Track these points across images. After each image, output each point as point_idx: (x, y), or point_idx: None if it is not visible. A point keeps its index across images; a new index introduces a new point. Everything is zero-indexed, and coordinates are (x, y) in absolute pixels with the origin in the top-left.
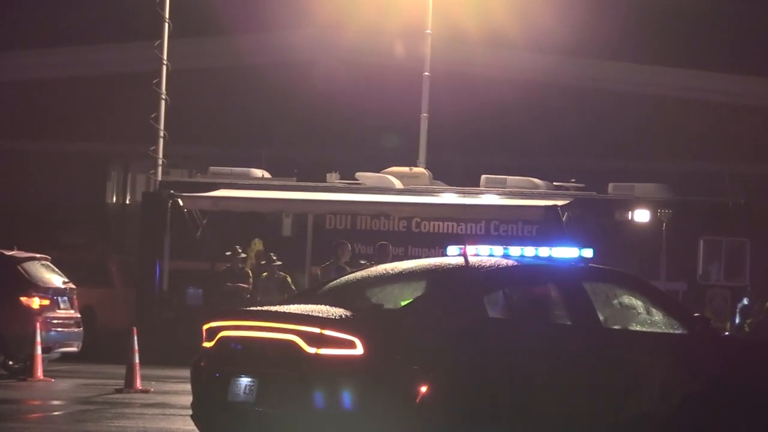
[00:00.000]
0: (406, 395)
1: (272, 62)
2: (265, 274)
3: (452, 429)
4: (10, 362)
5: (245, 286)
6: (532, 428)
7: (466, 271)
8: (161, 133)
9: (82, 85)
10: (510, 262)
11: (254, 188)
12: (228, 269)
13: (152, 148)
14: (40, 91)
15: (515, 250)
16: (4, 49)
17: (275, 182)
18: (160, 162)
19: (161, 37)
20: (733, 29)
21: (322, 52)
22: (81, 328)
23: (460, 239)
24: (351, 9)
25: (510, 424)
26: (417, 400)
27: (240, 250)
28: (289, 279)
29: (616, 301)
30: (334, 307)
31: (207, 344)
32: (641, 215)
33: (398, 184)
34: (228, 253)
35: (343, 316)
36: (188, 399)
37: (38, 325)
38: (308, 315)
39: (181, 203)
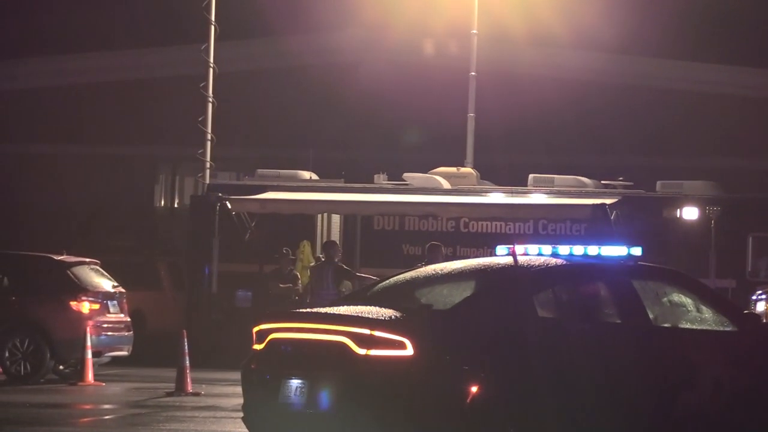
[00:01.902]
0: (456, 396)
1: (318, 63)
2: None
3: (501, 428)
4: (61, 367)
5: (294, 287)
6: (582, 428)
7: (515, 270)
8: (209, 136)
9: (131, 88)
10: (559, 261)
11: (302, 190)
12: (276, 271)
13: (200, 151)
14: (88, 95)
15: (564, 249)
16: (54, 53)
17: (323, 184)
18: (207, 165)
19: (208, 40)
20: None
21: (367, 53)
22: (131, 332)
23: (509, 239)
24: (396, 9)
25: (560, 425)
26: (467, 401)
27: (289, 252)
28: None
29: (665, 299)
30: (383, 308)
31: (257, 346)
32: (690, 213)
33: (446, 184)
34: (276, 256)
35: (393, 317)
36: (239, 401)
37: (88, 329)
38: (358, 316)
39: (229, 206)
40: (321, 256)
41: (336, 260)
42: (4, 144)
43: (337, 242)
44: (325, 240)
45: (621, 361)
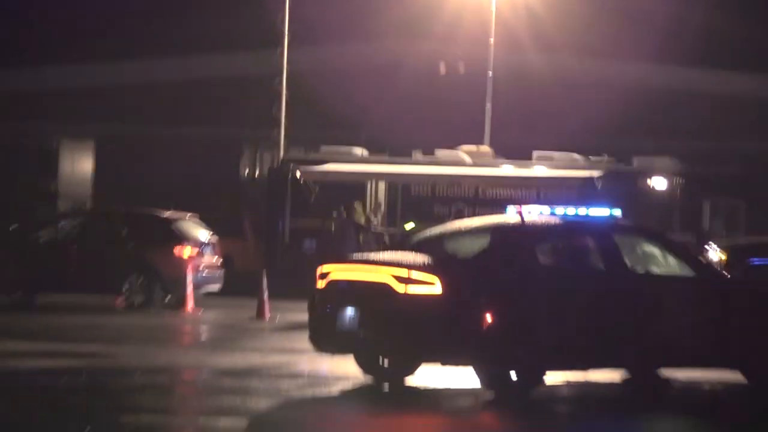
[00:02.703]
0: (474, 323)
1: (368, 65)
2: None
3: (510, 348)
4: (168, 298)
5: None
6: (572, 348)
7: (522, 227)
8: (282, 121)
9: (223, 83)
10: (556, 220)
11: (355, 162)
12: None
13: (275, 132)
14: (191, 88)
15: (560, 211)
16: (171, 56)
17: (372, 158)
18: (282, 143)
19: (282, 45)
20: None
21: (407, 56)
22: (222, 271)
23: (517, 202)
24: (429, 22)
25: (554, 346)
26: (483, 327)
27: (343, 212)
28: (384, 234)
29: (639, 250)
30: (418, 255)
31: (320, 283)
32: (659, 182)
33: (468, 159)
34: (335, 214)
35: (425, 262)
36: (306, 326)
37: (189, 269)
38: (398, 261)
39: (298, 175)
40: (371, 215)
41: (356, 218)
42: (137, 125)
43: (359, 205)
44: (373, 203)
45: (604, 298)
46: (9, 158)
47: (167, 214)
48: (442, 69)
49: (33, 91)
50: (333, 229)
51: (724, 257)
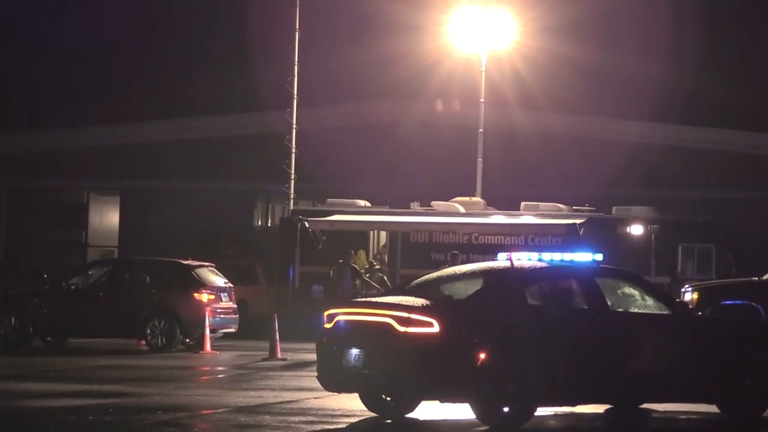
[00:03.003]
0: (469, 360)
1: (368, 123)
2: (368, 275)
3: (502, 383)
4: (187, 340)
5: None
6: (557, 382)
7: (512, 271)
8: (292, 175)
9: (237, 141)
10: (543, 264)
11: (359, 213)
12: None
13: (285, 186)
14: (207, 146)
15: (546, 256)
16: (191, 116)
17: (374, 209)
18: (291, 196)
19: (291, 106)
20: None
21: (403, 115)
22: (237, 315)
23: (507, 249)
24: (423, 83)
25: (542, 380)
26: (478, 364)
27: (352, 254)
28: (385, 278)
29: (619, 291)
30: (417, 298)
31: (327, 325)
32: (636, 229)
33: (462, 209)
34: (341, 261)
35: (424, 304)
36: (314, 365)
37: (207, 312)
38: (399, 304)
39: (307, 225)
40: (373, 261)
41: (351, 263)
42: (159, 180)
43: (353, 251)
44: (375, 251)
45: (587, 336)
46: (43, 212)
47: (186, 262)
48: (438, 113)
49: (64, 151)
50: (331, 274)
51: (695, 297)
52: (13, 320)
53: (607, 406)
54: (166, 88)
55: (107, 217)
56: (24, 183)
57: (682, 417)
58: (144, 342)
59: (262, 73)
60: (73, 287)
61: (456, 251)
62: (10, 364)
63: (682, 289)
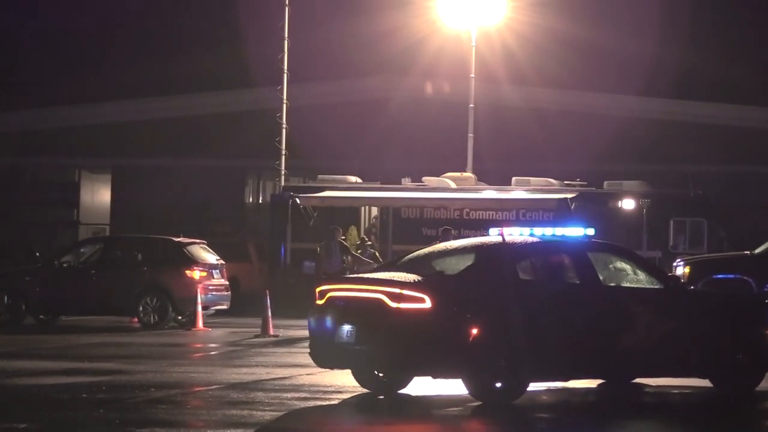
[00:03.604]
0: (461, 335)
1: (359, 99)
2: (359, 251)
3: (494, 358)
4: (180, 317)
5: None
6: (550, 357)
7: (503, 246)
8: (283, 152)
9: (228, 118)
10: (534, 239)
11: (350, 189)
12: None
13: (276, 162)
14: (198, 123)
15: (538, 231)
16: (181, 93)
17: (365, 185)
18: (282, 172)
19: (281, 83)
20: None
21: (394, 91)
22: (229, 292)
23: (498, 224)
24: (414, 59)
25: (533, 356)
26: (469, 339)
27: (339, 230)
28: (377, 253)
29: (611, 266)
30: (409, 274)
31: (319, 302)
32: (628, 203)
33: (453, 184)
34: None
35: (416, 280)
36: (306, 341)
37: (199, 290)
38: (391, 279)
39: (298, 201)
40: (364, 237)
41: (339, 239)
42: (150, 158)
43: (340, 228)
44: (367, 226)
45: (579, 310)
46: (34, 191)
47: (178, 239)
48: (429, 89)
49: (54, 129)
50: (318, 250)
51: (687, 271)
52: (5, 299)
53: (600, 381)
54: (158, 65)
55: (99, 195)
56: (15, 161)
57: (675, 392)
58: (136, 319)
59: (253, 50)
60: (65, 265)
61: (448, 226)
62: (2, 342)
63: (674, 263)
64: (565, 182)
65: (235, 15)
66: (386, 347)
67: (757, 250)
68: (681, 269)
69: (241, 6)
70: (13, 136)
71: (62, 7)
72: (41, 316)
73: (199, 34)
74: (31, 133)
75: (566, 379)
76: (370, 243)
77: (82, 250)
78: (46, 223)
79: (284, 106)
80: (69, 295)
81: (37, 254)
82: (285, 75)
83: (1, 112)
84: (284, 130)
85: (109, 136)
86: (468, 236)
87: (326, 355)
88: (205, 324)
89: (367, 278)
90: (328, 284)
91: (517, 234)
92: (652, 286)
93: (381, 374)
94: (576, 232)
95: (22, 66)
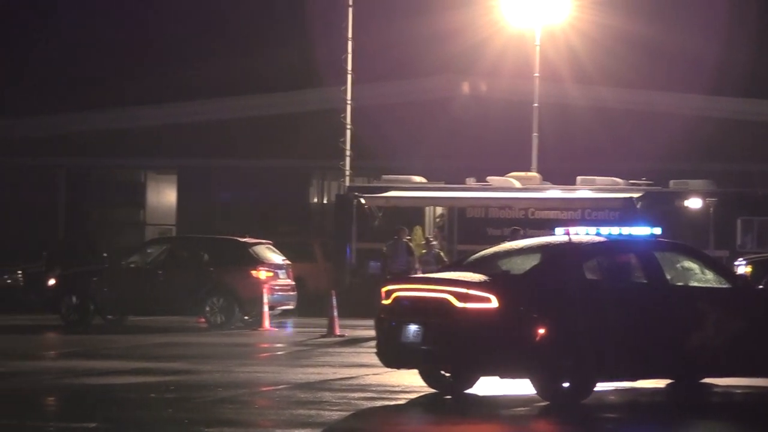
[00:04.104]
0: (528, 335)
1: (423, 99)
2: (424, 251)
3: (561, 358)
4: (246, 317)
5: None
6: (617, 357)
7: (569, 245)
8: (347, 152)
9: (296, 118)
10: (600, 239)
11: (415, 190)
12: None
13: (341, 163)
14: (267, 124)
15: (604, 230)
16: (247, 94)
17: (430, 185)
18: (347, 173)
19: (346, 83)
20: None
21: (457, 90)
22: (295, 292)
23: (564, 223)
24: (477, 58)
25: (601, 355)
26: (536, 339)
27: (405, 230)
28: (442, 254)
29: (678, 265)
30: (475, 274)
31: (385, 302)
32: (694, 203)
33: (518, 184)
34: (395, 237)
35: (482, 279)
36: (372, 341)
37: (265, 290)
38: (458, 279)
39: (363, 201)
40: (429, 237)
41: (405, 239)
42: (216, 159)
43: (405, 228)
44: (432, 226)
45: (646, 310)
46: (101, 191)
47: (243, 239)
48: (492, 88)
49: (121, 130)
50: (384, 250)
51: (749, 270)
52: (74, 299)
53: (668, 381)
54: (222, 66)
55: (164, 196)
56: (83, 163)
57: (742, 392)
58: (203, 319)
59: (318, 50)
60: (132, 265)
61: (517, 227)
62: (71, 342)
63: (735, 263)
64: (631, 181)
65: (300, 14)
66: (453, 347)
67: None
68: (743, 268)
69: (306, 5)
70: (80, 137)
71: (127, 5)
72: (109, 317)
73: (265, 34)
74: (98, 133)
75: (634, 379)
76: (435, 243)
77: (148, 251)
78: (112, 224)
79: (348, 106)
80: (136, 295)
81: (104, 255)
82: (349, 75)
83: (69, 113)
84: (348, 131)
85: (174, 137)
86: (533, 236)
87: (393, 354)
88: (271, 324)
89: (434, 278)
90: (395, 284)
91: (583, 233)
92: (720, 286)
93: (448, 374)
94: (642, 231)
95: (89, 67)
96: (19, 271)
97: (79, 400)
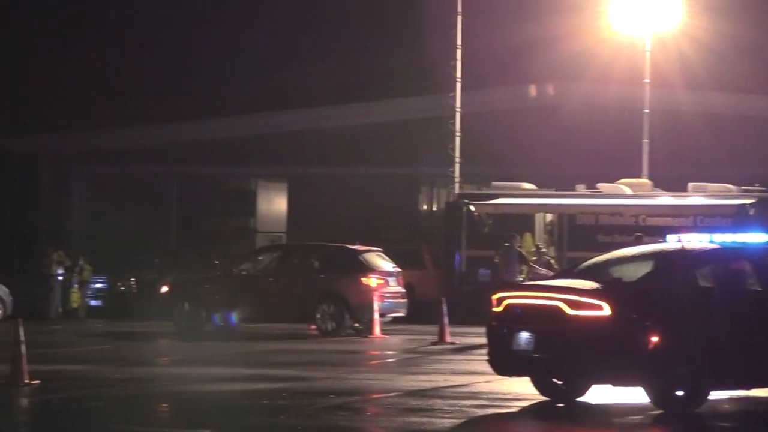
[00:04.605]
0: (641, 343)
1: (533, 105)
2: (534, 258)
3: (675, 366)
4: (357, 324)
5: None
6: (731, 365)
7: (683, 253)
8: (457, 159)
9: (405, 125)
10: (714, 246)
11: (524, 196)
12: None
13: (450, 170)
14: (371, 131)
15: (717, 237)
16: (355, 101)
17: (539, 192)
18: (456, 179)
19: (454, 90)
20: None
21: (566, 97)
22: (405, 299)
23: (676, 230)
24: (586, 64)
25: (715, 363)
26: (650, 347)
27: (517, 238)
28: (552, 261)
29: None
30: (587, 281)
31: (496, 309)
32: None
33: (628, 191)
34: (506, 244)
35: (594, 287)
36: (483, 349)
37: (375, 297)
38: (569, 287)
39: (472, 208)
40: (540, 244)
41: (517, 247)
42: (326, 167)
43: (517, 235)
44: (543, 232)
45: (761, 318)
46: (213, 200)
47: (353, 247)
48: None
49: (232, 138)
50: (497, 258)
51: None
52: (186, 306)
53: None
54: (331, 74)
55: (275, 204)
56: (194, 171)
57: None
58: (314, 326)
59: (429, 57)
60: (243, 273)
61: (640, 233)
62: (183, 349)
63: None
64: (743, 188)
65: (409, 22)
66: (565, 355)
67: None
68: None
69: (416, 12)
70: (192, 145)
71: (230, 14)
72: (221, 324)
73: (375, 41)
74: (210, 142)
75: (749, 388)
76: (545, 250)
77: (260, 258)
78: (223, 232)
79: (457, 113)
80: (248, 302)
81: (216, 262)
82: (458, 82)
83: (182, 122)
84: (457, 137)
85: (284, 145)
86: (643, 243)
87: (504, 362)
88: (382, 331)
89: (545, 285)
90: (506, 291)
91: (695, 240)
92: None
93: (560, 382)
94: (756, 238)
95: (199, 76)
96: (133, 279)
97: (192, 407)
